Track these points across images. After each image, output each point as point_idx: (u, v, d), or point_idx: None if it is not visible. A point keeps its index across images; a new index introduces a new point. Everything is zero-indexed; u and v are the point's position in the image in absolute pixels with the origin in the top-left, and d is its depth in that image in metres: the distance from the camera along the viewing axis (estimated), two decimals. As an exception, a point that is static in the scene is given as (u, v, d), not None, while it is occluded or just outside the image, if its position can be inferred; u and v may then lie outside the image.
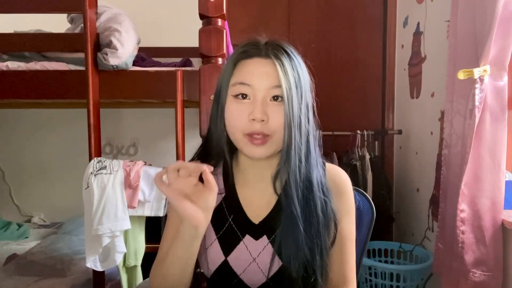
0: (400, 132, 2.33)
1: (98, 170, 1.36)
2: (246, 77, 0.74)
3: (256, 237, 0.79)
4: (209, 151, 0.83)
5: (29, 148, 2.37)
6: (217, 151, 0.82)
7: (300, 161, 0.75)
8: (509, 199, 1.35)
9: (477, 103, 1.27)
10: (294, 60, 0.75)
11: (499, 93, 1.28)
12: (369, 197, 1.02)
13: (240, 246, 0.79)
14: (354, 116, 2.49)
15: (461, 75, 1.30)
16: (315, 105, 0.80)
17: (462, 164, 1.35)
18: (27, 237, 2.04)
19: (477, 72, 1.26)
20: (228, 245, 0.79)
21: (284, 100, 0.72)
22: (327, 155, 2.24)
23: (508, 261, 1.32)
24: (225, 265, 0.78)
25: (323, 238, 0.76)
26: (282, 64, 0.73)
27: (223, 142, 0.79)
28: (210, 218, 0.72)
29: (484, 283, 1.30)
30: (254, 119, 0.72)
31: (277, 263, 0.76)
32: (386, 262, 2.04)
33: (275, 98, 0.74)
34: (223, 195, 0.83)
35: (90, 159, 1.41)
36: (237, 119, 0.74)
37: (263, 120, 0.72)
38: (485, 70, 1.26)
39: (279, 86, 0.72)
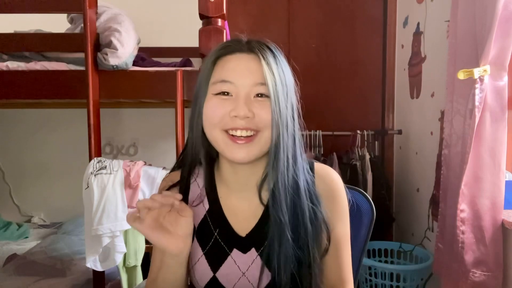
0: (400, 132, 2.32)
1: (98, 170, 1.36)
2: (228, 74, 0.68)
3: (244, 250, 0.74)
4: (188, 158, 0.78)
5: (29, 148, 2.37)
6: (196, 158, 0.76)
7: (288, 162, 0.70)
8: (509, 199, 1.35)
9: (477, 103, 1.27)
10: (277, 57, 0.70)
11: (499, 93, 1.28)
12: (369, 197, 1.01)
13: (228, 261, 0.74)
14: (354, 116, 2.49)
15: (461, 75, 1.30)
16: (299, 107, 0.74)
17: (462, 164, 1.35)
18: (27, 237, 2.04)
19: (477, 72, 1.26)
20: (215, 261, 0.75)
21: (271, 97, 0.66)
22: (327, 155, 2.25)
23: (508, 261, 1.32)
24: (214, 282, 0.74)
25: (312, 250, 0.71)
26: (267, 59, 0.67)
27: (203, 147, 0.74)
28: (190, 243, 0.70)
29: (484, 283, 1.30)
30: (236, 116, 0.66)
31: (267, 276, 0.72)
32: (386, 262, 2.03)
33: (259, 95, 0.68)
34: (207, 208, 0.78)
35: (90, 159, 1.41)
36: (216, 115, 0.68)
37: (248, 117, 0.66)
38: (485, 70, 1.26)
39: (264, 83, 0.67)
